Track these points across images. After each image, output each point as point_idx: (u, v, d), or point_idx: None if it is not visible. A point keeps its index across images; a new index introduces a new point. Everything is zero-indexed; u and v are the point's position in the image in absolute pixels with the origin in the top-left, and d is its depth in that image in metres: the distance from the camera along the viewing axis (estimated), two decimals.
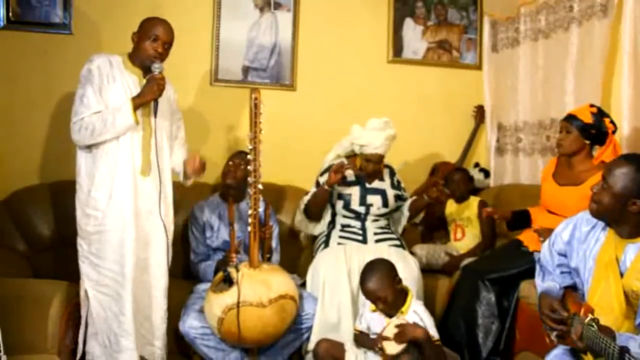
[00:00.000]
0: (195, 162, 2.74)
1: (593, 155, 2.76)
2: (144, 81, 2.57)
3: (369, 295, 2.53)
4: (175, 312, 2.83)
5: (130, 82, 2.58)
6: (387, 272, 2.54)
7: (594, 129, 2.70)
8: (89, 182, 2.51)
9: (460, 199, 3.58)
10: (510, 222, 3.01)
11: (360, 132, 3.11)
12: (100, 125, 2.44)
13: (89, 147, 2.52)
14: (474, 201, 3.55)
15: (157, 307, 2.62)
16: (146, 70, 2.58)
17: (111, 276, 2.47)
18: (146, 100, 2.50)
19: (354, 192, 3.17)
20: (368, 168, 3.15)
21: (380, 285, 2.50)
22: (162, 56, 2.59)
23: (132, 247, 2.48)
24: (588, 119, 2.70)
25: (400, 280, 2.57)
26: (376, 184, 3.21)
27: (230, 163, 3.10)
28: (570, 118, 2.75)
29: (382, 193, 3.19)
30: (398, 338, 2.47)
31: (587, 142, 2.73)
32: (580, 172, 2.75)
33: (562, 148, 2.78)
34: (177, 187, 2.80)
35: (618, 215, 1.85)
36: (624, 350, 1.64)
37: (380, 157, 3.15)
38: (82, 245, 2.53)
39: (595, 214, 1.91)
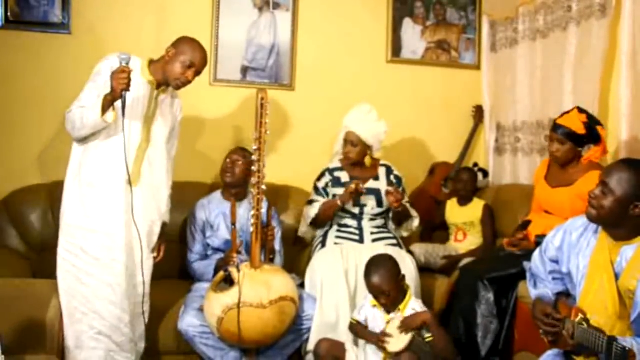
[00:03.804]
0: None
1: (582, 155, 2.79)
2: (156, 92, 2.56)
3: (374, 289, 2.56)
4: (173, 312, 2.83)
5: (141, 90, 2.50)
6: (392, 267, 2.60)
7: (586, 138, 2.74)
8: (75, 179, 2.47)
9: (465, 199, 3.58)
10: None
11: (346, 117, 3.20)
12: (79, 120, 2.37)
13: (81, 142, 2.47)
14: (478, 204, 3.55)
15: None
16: (162, 85, 2.56)
17: (80, 277, 2.45)
18: (113, 96, 2.30)
19: None
20: (350, 154, 3.15)
21: (386, 280, 2.54)
22: (187, 84, 2.54)
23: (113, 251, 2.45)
24: (581, 129, 2.72)
25: (403, 277, 2.63)
26: (370, 183, 3.20)
27: (228, 160, 3.04)
28: (562, 129, 2.75)
29: (377, 193, 3.18)
30: (405, 328, 2.50)
31: (580, 149, 2.76)
32: (571, 173, 2.79)
33: (558, 159, 2.81)
34: (175, 187, 2.80)
35: (618, 219, 1.85)
36: (612, 339, 1.69)
37: (358, 140, 3.14)
38: (60, 240, 2.50)
39: (596, 218, 1.90)
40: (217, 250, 3.03)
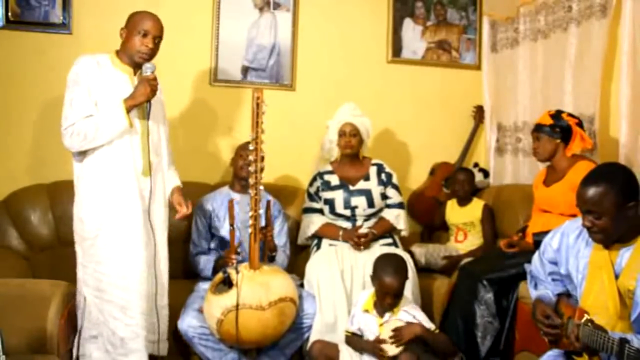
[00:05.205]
0: (182, 212, 2.62)
1: (562, 148, 2.91)
2: (135, 79, 2.51)
3: (388, 288, 2.54)
4: (175, 312, 2.83)
5: (122, 80, 2.51)
6: (405, 268, 2.62)
7: (557, 127, 2.88)
8: (87, 188, 2.47)
9: (464, 199, 3.58)
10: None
11: (336, 115, 3.25)
12: (93, 130, 2.37)
13: (83, 154, 2.46)
14: (477, 204, 3.55)
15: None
16: (137, 67, 2.52)
17: (112, 281, 2.44)
18: (139, 102, 2.42)
19: (338, 195, 3.18)
20: (351, 143, 3.16)
21: (400, 280, 2.55)
22: (153, 52, 2.51)
23: (139, 250, 2.46)
24: (548, 120, 2.91)
25: (406, 279, 2.61)
26: (361, 184, 3.21)
27: (244, 155, 3.06)
28: (535, 127, 2.96)
29: (367, 193, 3.18)
30: (397, 341, 2.50)
31: (558, 140, 2.88)
32: (561, 169, 2.89)
33: (539, 154, 2.96)
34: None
35: (622, 228, 1.83)
36: (624, 341, 1.66)
37: (356, 129, 3.17)
38: (78, 251, 2.51)
39: (606, 240, 1.86)
40: (222, 239, 3.01)
